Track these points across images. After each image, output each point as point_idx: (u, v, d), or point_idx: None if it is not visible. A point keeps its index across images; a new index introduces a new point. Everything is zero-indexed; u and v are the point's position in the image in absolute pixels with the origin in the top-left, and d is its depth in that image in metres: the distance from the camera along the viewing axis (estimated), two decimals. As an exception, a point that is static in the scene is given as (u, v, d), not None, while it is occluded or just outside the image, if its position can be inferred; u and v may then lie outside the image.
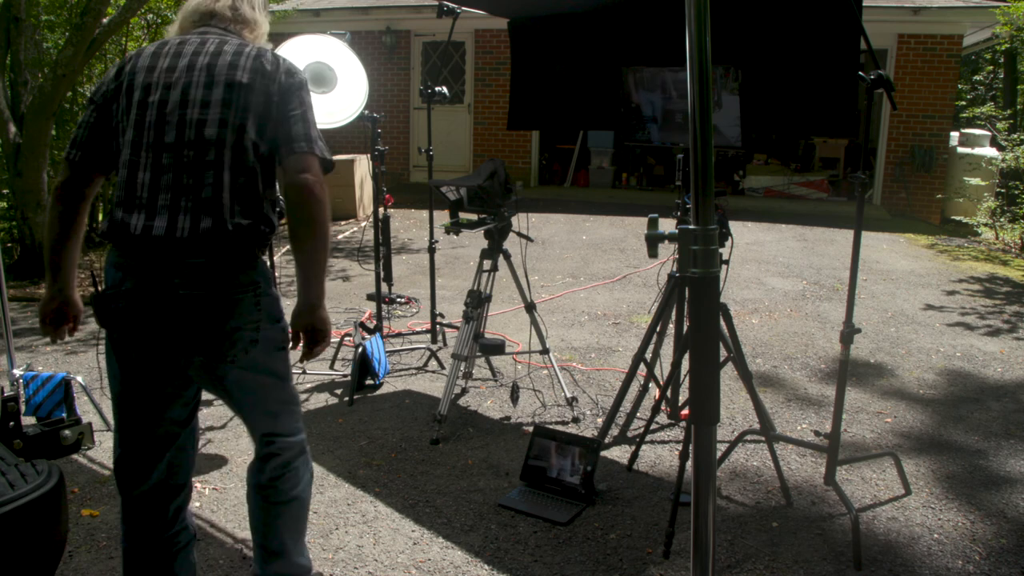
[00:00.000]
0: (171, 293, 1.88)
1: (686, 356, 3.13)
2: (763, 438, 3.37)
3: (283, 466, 2.12)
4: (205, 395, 2.49)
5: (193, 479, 2.21)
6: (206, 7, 2.10)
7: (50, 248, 2.03)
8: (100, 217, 8.56)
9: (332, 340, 5.00)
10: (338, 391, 4.19)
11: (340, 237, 8.74)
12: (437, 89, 4.47)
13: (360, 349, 4.16)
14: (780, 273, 6.81)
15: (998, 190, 9.63)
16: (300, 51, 4.15)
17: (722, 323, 3.28)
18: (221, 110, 1.92)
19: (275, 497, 2.13)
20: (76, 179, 2.01)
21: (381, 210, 4.54)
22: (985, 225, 9.29)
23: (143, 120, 1.94)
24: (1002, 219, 9.28)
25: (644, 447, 3.46)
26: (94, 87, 2.08)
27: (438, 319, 4.85)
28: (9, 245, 7.13)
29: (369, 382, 4.23)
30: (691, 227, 1.45)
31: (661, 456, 3.42)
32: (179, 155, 1.91)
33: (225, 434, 3.62)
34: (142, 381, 2.00)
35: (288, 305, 2.02)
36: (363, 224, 9.38)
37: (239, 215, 1.92)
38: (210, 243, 1.89)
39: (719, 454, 3.33)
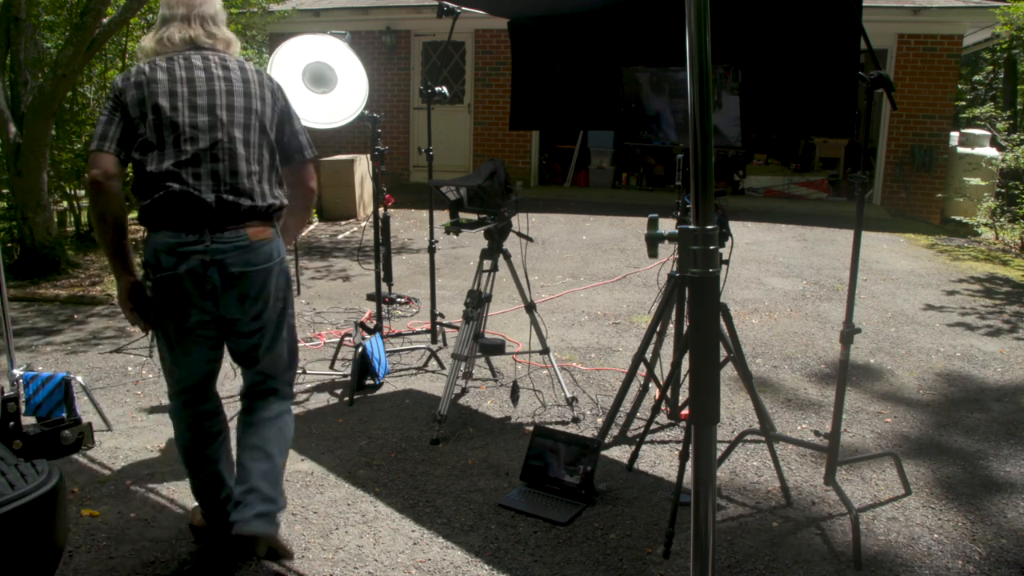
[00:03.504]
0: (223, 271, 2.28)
1: (686, 356, 3.14)
2: (763, 438, 3.37)
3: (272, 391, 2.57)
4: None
5: None
6: (187, 36, 2.39)
7: (122, 232, 2.31)
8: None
9: (332, 340, 5.03)
10: (338, 391, 4.19)
11: (340, 237, 8.73)
12: (437, 89, 4.47)
13: (360, 349, 4.16)
14: (780, 273, 6.82)
15: (998, 190, 9.63)
16: (300, 51, 4.15)
17: (722, 323, 3.28)
18: (246, 115, 2.36)
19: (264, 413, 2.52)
20: (118, 167, 2.28)
21: (381, 210, 4.54)
22: (985, 225, 9.29)
23: (178, 124, 2.27)
24: (1002, 219, 9.28)
25: (644, 447, 3.46)
26: (112, 96, 2.32)
27: (438, 319, 4.85)
28: (9, 245, 7.12)
29: (369, 382, 4.23)
30: (691, 227, 1.45)
31: (661, 456, 3.43)
32: (217, 153, 2.29)
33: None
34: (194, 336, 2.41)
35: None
36: (363, 224, 9.38)
37: (269, 196, 2.39)
38: (251, 218, 2.32)
39: (719, 454, 3.33)
